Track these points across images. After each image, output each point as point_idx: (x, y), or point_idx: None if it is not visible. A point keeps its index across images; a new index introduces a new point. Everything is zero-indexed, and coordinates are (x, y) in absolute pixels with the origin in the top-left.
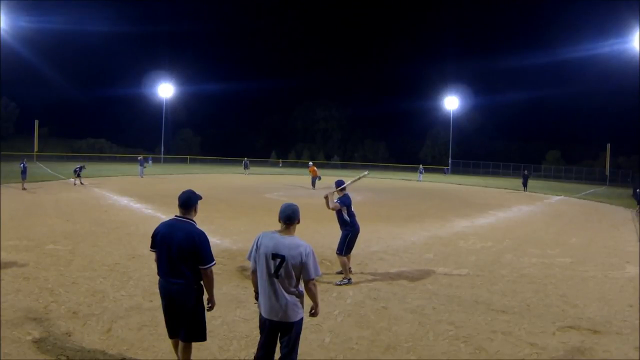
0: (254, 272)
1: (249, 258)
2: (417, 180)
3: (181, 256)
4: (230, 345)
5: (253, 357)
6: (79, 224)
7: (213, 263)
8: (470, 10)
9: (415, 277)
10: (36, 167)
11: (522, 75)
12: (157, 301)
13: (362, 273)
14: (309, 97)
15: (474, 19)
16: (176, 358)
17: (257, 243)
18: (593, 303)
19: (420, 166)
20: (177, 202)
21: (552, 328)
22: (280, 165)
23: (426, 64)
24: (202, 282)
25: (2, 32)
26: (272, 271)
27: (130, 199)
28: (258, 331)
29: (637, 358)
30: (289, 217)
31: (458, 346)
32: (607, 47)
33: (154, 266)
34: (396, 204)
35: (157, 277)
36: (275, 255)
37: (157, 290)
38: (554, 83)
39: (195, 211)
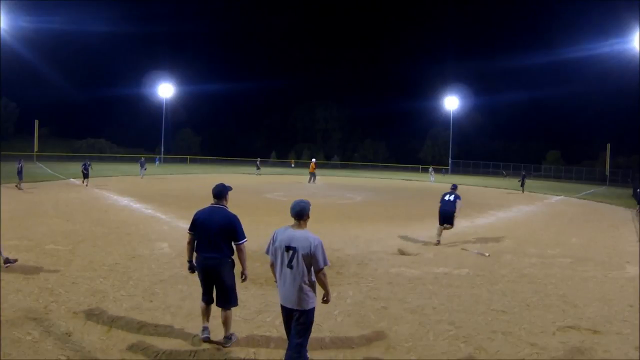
0: (273, 264)
1: (267, 252)
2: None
3: (220, 234)
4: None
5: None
6: (79, 224)
7: (245, 239)
8: (470, 11)
9: (415, 277)
10: (36, 167)
11: (522, 75)
12: (158, 301)
13: (362, 273)
14: (309, 97)
15: (474, 19)
16: (198, 329)
17: (273, 238)
18: (593, 303)
19: (430, 168)
20: (177, 202)
21: (552, 328)
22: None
23: (426, 64)
24: (233, 258)
25: (2, 32)
26: (287, 262)
27: (130, 199)
28: (258, 331)
29: (637, 358)
30: (298, 214)
31: (458, 346)
32: (607, 47)
33: (154, 266)
34: (396, 204)
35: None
36: (288, 248)
37: (157, 290)
38: (554, 83)
39: (227, 200)
